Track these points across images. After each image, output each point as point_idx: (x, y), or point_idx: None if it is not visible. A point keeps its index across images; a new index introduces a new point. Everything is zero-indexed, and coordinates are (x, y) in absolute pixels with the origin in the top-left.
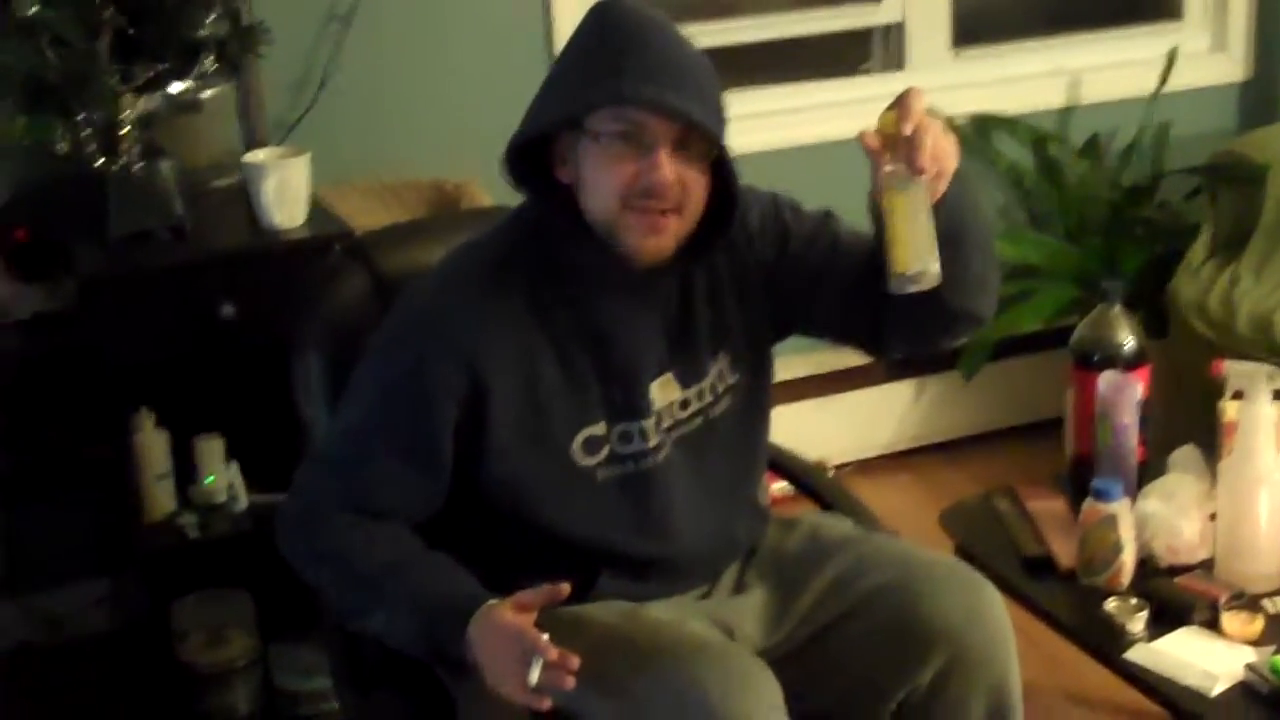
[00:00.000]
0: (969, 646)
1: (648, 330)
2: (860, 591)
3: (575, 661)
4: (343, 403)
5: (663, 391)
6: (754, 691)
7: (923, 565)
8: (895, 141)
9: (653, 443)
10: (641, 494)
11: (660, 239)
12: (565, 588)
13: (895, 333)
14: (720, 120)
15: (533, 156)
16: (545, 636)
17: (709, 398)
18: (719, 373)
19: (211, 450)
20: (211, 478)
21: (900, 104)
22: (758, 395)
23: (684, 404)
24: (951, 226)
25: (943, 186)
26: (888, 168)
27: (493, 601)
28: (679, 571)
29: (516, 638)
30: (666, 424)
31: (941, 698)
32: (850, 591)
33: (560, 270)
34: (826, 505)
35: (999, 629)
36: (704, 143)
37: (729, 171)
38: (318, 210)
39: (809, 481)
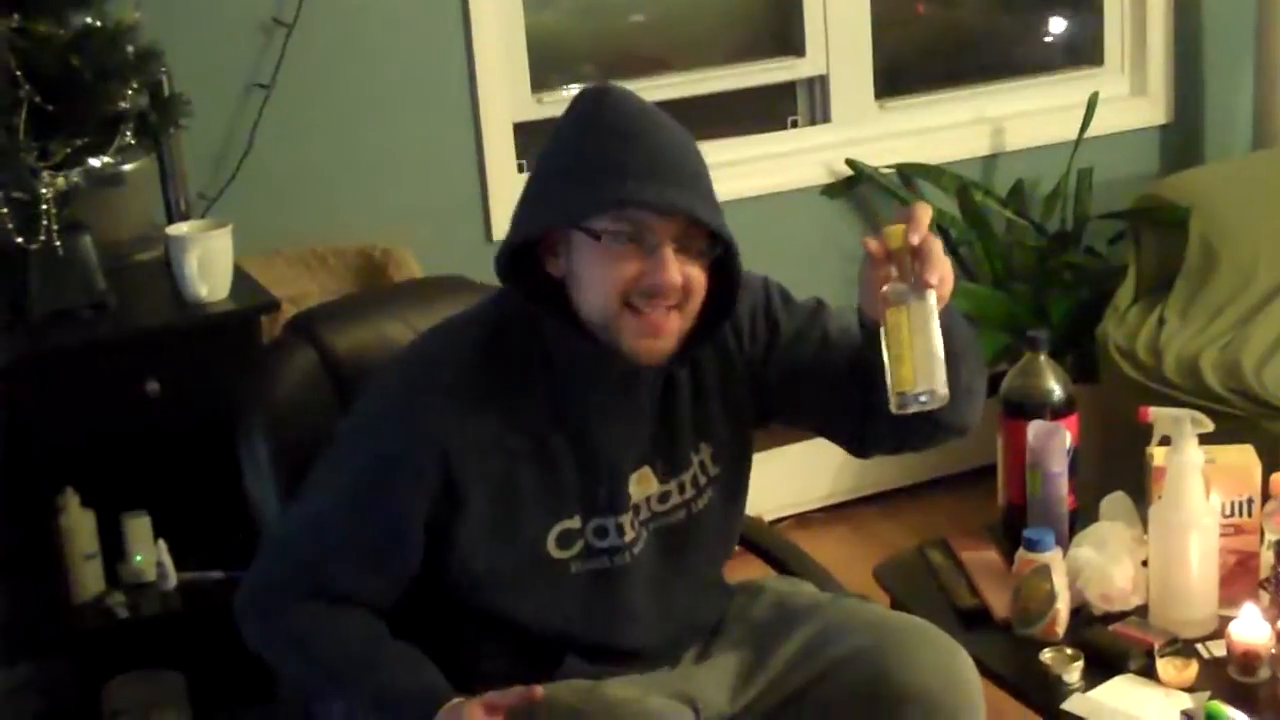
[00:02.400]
0: (942, 710)
1: (629, 423)
2: (832, 656)
3: None
4: (309, 485)
5: (640, 485)
6: None
7: (895, 629)
8: (899, 257)
9: (628, 537)
10: (612, 587)
11: (660, 340)
12: (539, 690)
13: (879, 438)
14: (719, 211)
15: (520, 247)
16: None
17: (691, 491)
18: (701, 464)
19: (139, 528)
20: (140, 556)
21: (909, 217)
22: (738, 482)
23: (663, 496)
24: (946, 341)
25: (941, 305)
26: (888, 285)
27: (457, 700)
28: (642, 657)
29: None
30: (644, 516)
31: None
32: (822, 656)
33: (544, 361)
34: (779, 564)
35: (971, 692)
36: (704, 238)
37: (732, 264)
38: (242, 281)
39: (762, 542)
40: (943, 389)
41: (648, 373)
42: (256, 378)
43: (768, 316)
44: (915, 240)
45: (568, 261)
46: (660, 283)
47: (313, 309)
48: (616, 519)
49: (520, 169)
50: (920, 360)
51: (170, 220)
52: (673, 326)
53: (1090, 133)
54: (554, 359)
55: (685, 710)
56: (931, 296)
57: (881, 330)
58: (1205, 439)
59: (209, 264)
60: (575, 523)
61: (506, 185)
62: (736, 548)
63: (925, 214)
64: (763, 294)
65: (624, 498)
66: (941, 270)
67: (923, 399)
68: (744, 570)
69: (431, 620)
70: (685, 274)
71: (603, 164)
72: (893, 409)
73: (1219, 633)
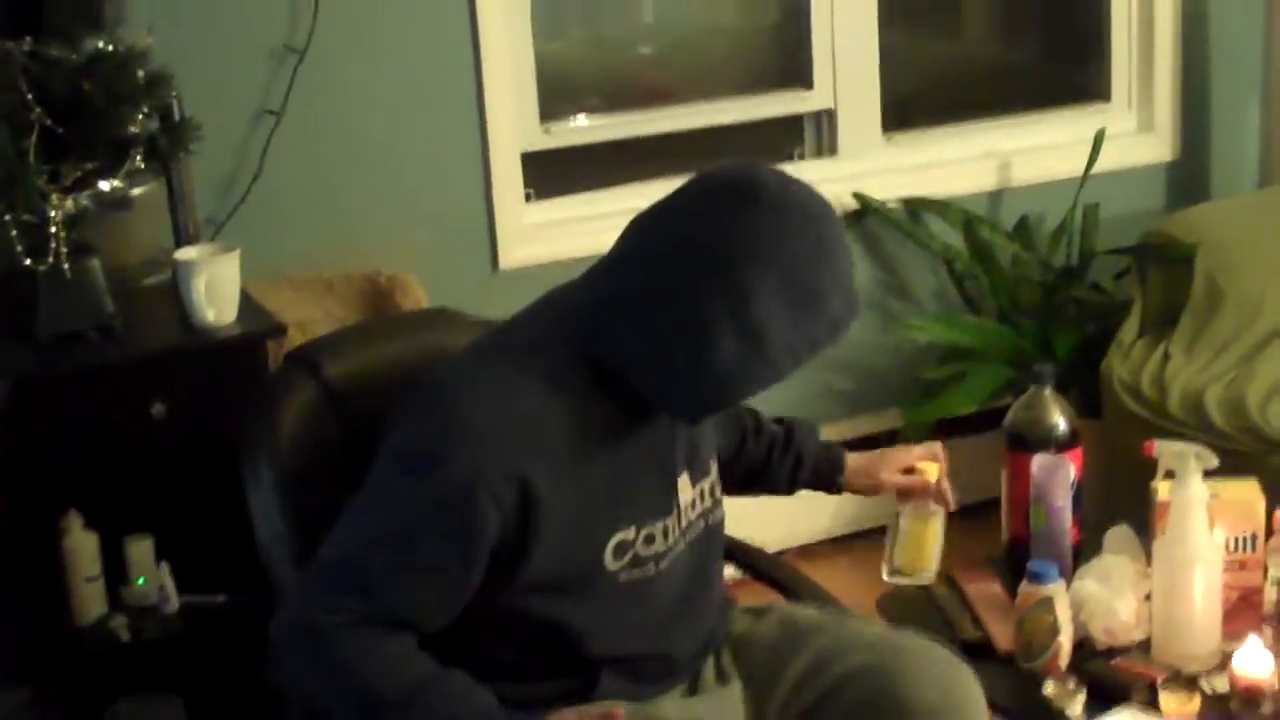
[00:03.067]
0: None
1: (670, 428)
2: (838, 673)
3: None
4: (360, 508)
5: (684, 490)
6: None
7: (901, 646)
8: (926, 484)
9: (671, 542)
10: (652, 594)
11: None
12: (620, 711)
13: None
14: None
15: None
16: None
17: (709, 501)
18: (715, 478)
19: (142, 551)
20: (142, 579)
21: (937, 456)
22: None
23: (694, 504)
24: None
25: None
26: (913, 503)
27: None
28: (669, 669)
29: None
30: (684, 523)
31: None
32: (828, 674)
33: (597, 373)
34: (785, 590)
35: (976, 709)
36: None
37: None
38: (249, 306)
39: (769, 570)
40: (933, 574)
41: None
42: (258, 411)
43: None
44: (944, 482)
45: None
46: None
47: (311, 342)
48: (665, 522)
49: (528, 198)
50: (934, 558)
51: (178, 244)
52: None
53: (1096, 169)
54: (628, 395)
55: None
56: (943, 513)
57: (900, 523)
58: (1209, 474)
59: (216, 288)
60: (630, 533)
61: (513, 214)
62: (743, 576)
63: (944, 455)
64: None
65: (674, 500)
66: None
67: (919, 578)
68: (752, 599)
69: (466, 646)
70: None
71: (807, 299)
72: (887, 579)
73: (1222, 667)
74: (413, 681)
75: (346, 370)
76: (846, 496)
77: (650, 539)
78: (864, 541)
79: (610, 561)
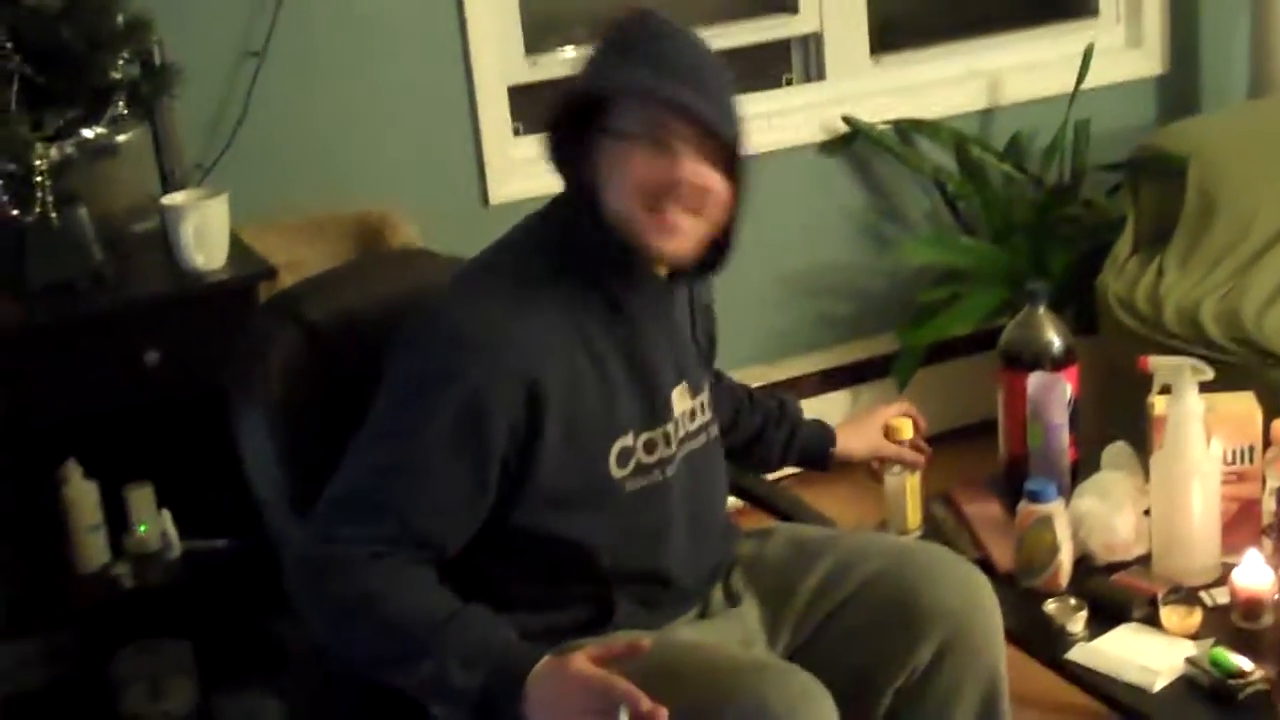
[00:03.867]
0: (966, 630)
1: (664, 337)
2: (855, 580)
3: (664, 713)
4: (367, 440)
5: (680, 399)
6: (818, 708)
7: (916, 552)
8: (899, 439)
9: (672, 449)
10: (659, 504)
11: (679, 240)
12: (645, 642)
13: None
14: (740, 129)
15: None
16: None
17: (707, 414)
18: (708, 394)
19: (142, 499)
20: (144, 526)
21: (910, 414)
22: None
23: (692, 414)
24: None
25: None
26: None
27: (562, 652)
28: (682, 591)
29: (599, 690)
30: (681, 434)
31: (937, 680)
32: (845, 582)
33: (589, 278)
34: (785, 518)
35: (993, 614)
36: (723, 151)
37: (742, 181)
38: (239, 250)
39: (767, 496)
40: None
41: (680, 289)
42: (243, 360)
43: (708, 322)
44: (919, 441)
45: (593, 165)
46: (673, 181)
47: (290, 288)
48: (664, 429)
49: (516, 132)
50: (915, 510)
51: (166, 190)
52: (690, 228)
53: (1086, 85)
54: (596, 271)
55: (766, 655)
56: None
57: (887, 485)
58: (1205, 387)
59: (205, 233)
60: (630, 439)
61: (502, 149)
62: (743, 504)
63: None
64: (709, 301)
65: (669, 409)
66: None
67: (915, 534)
68: (750, 522)
69: (476, 578)
70: (702, 177)
71: (638, 56)
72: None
73: (1222, 580)
74: (435, 613)
75: (327, 313)
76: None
77: (651, 445)
78: (863, 469)
79: (615, 469)
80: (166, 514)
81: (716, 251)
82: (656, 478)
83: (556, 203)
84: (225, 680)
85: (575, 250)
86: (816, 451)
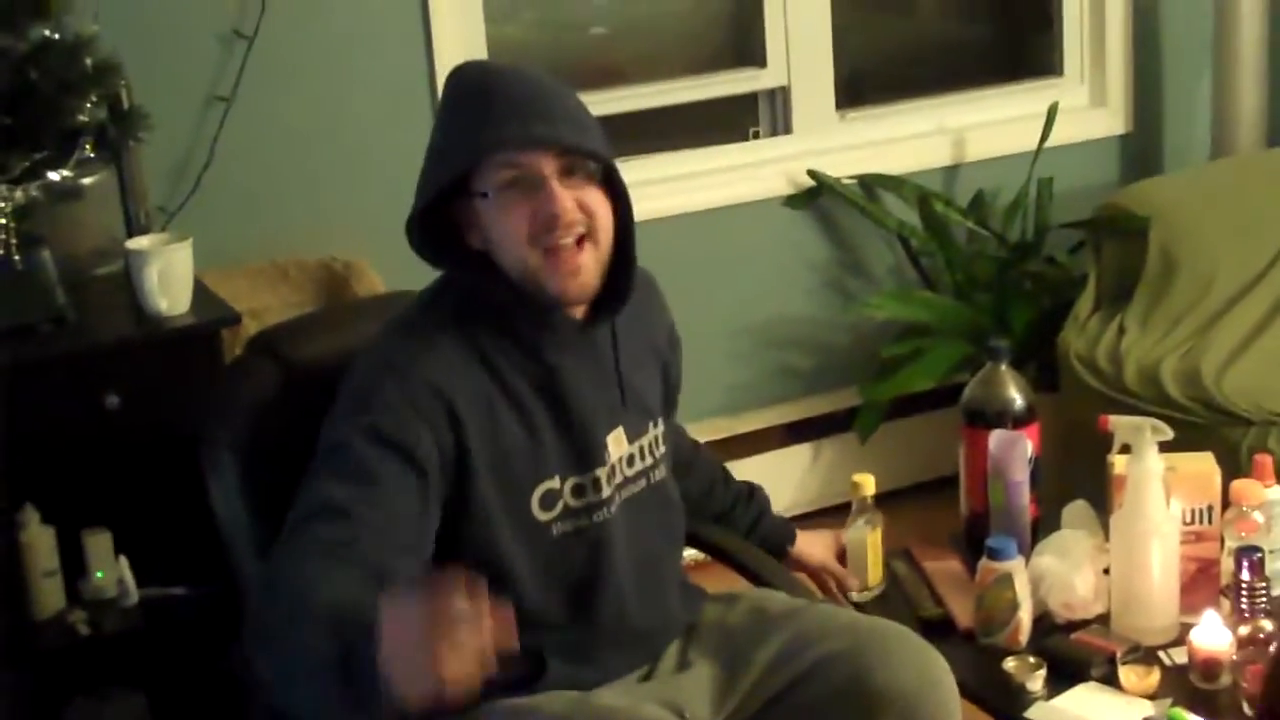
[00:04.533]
0: (919, 713)
1: (596, 385)
2: (810, 659)
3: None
4: (310, 475)
5: (616, 444)
6: None
7: (873, 633)
8: (862, 495)
9: (605, 494)
10: (591, 550)
11: (581, 276)
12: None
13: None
14: (597, 137)
15: (438, 233)
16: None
17: (649, 459)
18: (655, 438)
19: (100, 545)
20: (100, 573)
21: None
22: (671, 473)
23: (630, 460)
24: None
25: None
26: (860, 520)
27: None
28: (621, 646)
29: (435, 605)
30: (618, 480)
31: None
32: (800, 660)
33: (502, 328)
34: (752, 575)
35: (948, 695)
36: (590, 163)
37: (620, 189)
38: (203, 295)
39: (734, 552)
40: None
41: (599, 335)
42: (219, 396)
43: (673, 355)
44: None
45: (482, 232)
46: (552, 213)
47: (273, 327)
48: (595, 474)
49: None
50: (877, 566)
51: (130, 234)
52: (588, 259)
53: (1050, 143)
54: (509, 325)
55: (673, 718)
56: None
57: (852, 544)
58: (1165, 447)
59: (169, 277)
60: (555, 483)
61: None
62: (710, 560)
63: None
64: (670, 329)
65: (604, 454)
66: None
67: (878, 589)
68: (719, 583)
69: None
70: (579, 200)
71: (465, 121)
72: (856, 597)
73: (1180, 640)
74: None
75: (307, 356)
76: (810, 474)
77: (580, 490)
78: (826, 519)
79: (539, 511)
80: (124, 561)
81: (620, 277)
82: (584, 522)
83: (447, 278)
84: None
85: (483, 304)
86: (776, 542)
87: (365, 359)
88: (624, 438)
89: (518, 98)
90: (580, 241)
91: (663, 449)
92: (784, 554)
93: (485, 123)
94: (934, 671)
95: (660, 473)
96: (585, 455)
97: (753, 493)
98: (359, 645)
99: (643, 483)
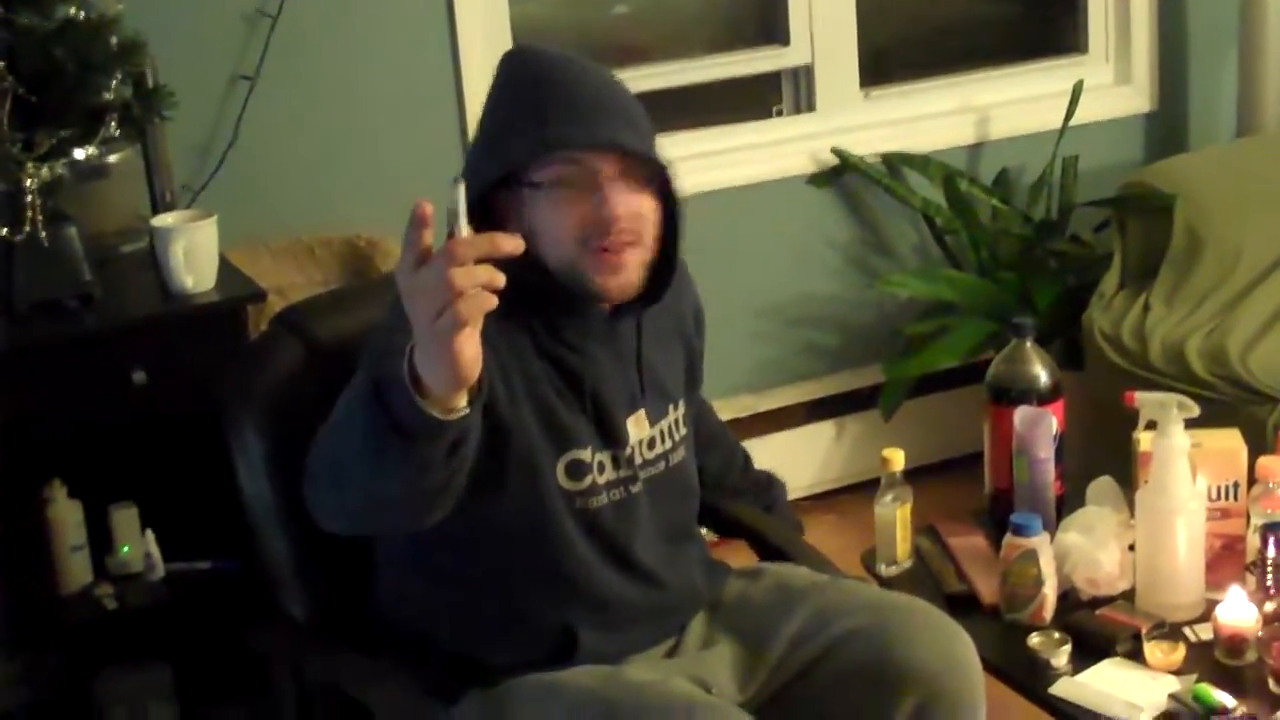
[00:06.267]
0: (943, 690)
1: (616, 366)
2: (833, 636)
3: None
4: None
5: (636, 426)
6: None
7: (896, 609)
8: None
9: (623, 474)
10: (617, 524)
11: (625, 275)
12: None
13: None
14: (648, 139)
15: (478, 216)
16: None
17: (669, 442)
18: (675, 421)
19: (126, 520)
20: (127, 548)
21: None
22: (693, 450)
23: (651, 443)
24: None
25: None
26: (889, 495)
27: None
28: (648, 618)
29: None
30: (639, 461)
31: None
32: (822, 636)
33: (528, 308)
34: (776, 551)
35: (972, 673)
36: (645, 169)
37: (671, 197)
38: (228, 272)
39: (757, 528)
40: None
41: (626, 320)
42: (244, 372)
43: (698, 333)
44: None
45: (524, 220)
46: (608, 218)
47: (298, 303)
48: (619, 453)
49: None
50: (906, 542)
51: (155, 211)
52: (633, 259)
53: (1075, 121)
54: (534, 308)
55: (702, 693)
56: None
57: (881, 519)
58: (1191, 424)
59: (194, 255)
60: (586, 453)
61: None
62: (721, 540)
63: None
64: (696, 307)
65: (625, 435)
66: None
67: (907, 564)
68: (742, 559)
69: (445, 610)
70: (634, 205)
71: (525, 113)
72: (883, 572)
73: (1205, 616)
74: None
75: (333, 333)
76: (833, 452)
77: (605, 465)
78: (850, 496)
79: (565, 480)
80: (150, 535)
81: (657, 277)
82: (613, 496)
83: None
84: (206, 703)
85: (510, 283)
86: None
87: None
88: (645, 420)
89: (582, 95)
90: (628, 245)
91: (683, 431)
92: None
93: (548, 118)
94: (958, 649)
95: (679, 454)
96: (608, 434)
97: (770, 483)
98: (384, 363)
99: (662, 465)
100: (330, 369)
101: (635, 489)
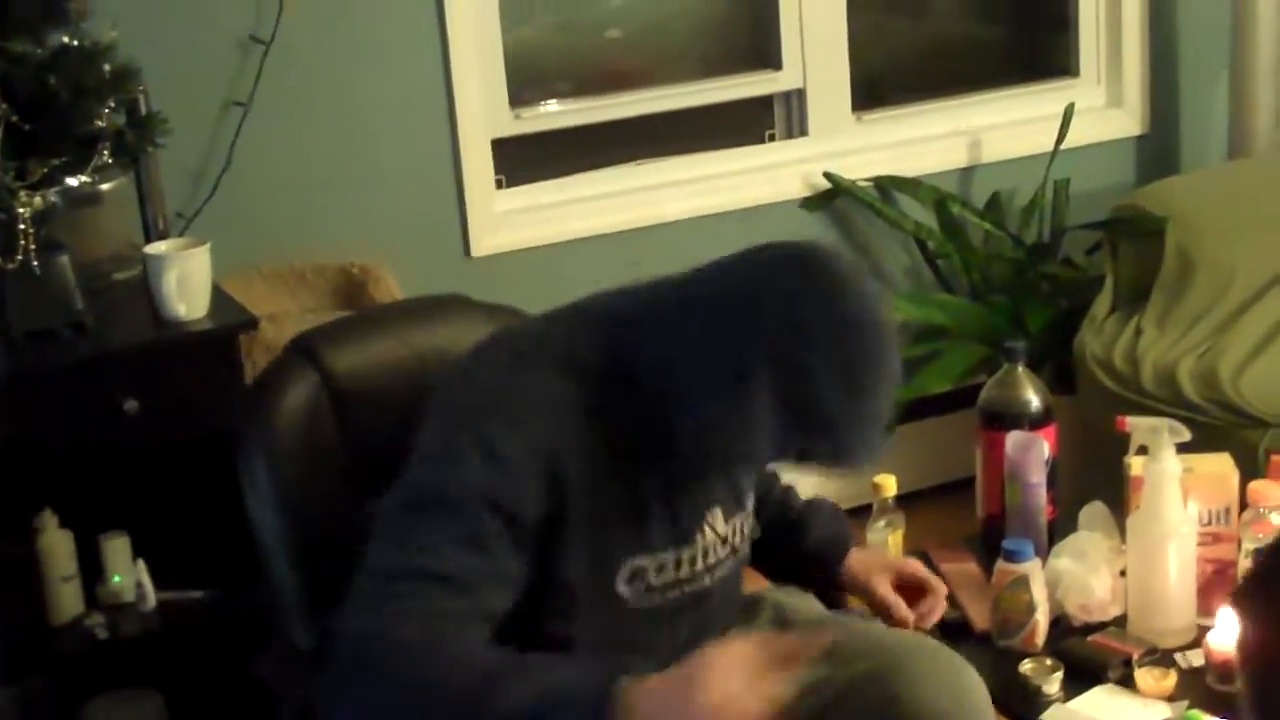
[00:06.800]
0: None
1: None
2: (842, 682)
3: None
4: (403, 506)
5: (714, 523)
6: None
7: (905, 651)
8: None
9: (686, 574)
10: (663, 625)
11: None
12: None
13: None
14: None
15: None
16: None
17: (738, 538)
18: (745, 519)
19: (117, 549)
20: (118, 577)
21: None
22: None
23: (725, 539)
24: None
25: None
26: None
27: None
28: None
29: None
30: (711, 560)
31: None
32: (831, 684)
33: (626, 392)
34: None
35: (983, 711)
36: None
37: None
38: (220, 300)
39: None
40: None
41: None
42: (256, 399)
43: None
44: None
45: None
46: None
47: (312, 330)
48: (687, 552)
49: (499, 184)
50: None
51: (148, 239)
52: None
53: (1067, 144)
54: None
55: None
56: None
57: (869, 541)
58: (1182, 448)
59: (187, 283)
60: (646, 561)
61: (485, 201)
62: None
63: None
64: None
65: (699, 532)
66: None
67: None
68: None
69: None
70: None
71: (849, 411)
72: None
73: (1197, 642)
74: (508, 657)
75: (348, 364)
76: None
77: (662, 568)
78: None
79: (622, 586)
80: (142, 564)
81: None
82: (657, 600)
83: (573, 319)
84: None
85: (621, 425)
86: (824, 563)
87: (475, 391)
88: (721, 517)
89: (881, 404)
90: None
91: (748, 532)
92: (833, 575)
93: (862, 438)
94: (968, 689)
95: (746, 549)
96: (684, 531)
97: (809, 506)
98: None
99: (731, 561)
100: (344, 398)
101: (686, 591)
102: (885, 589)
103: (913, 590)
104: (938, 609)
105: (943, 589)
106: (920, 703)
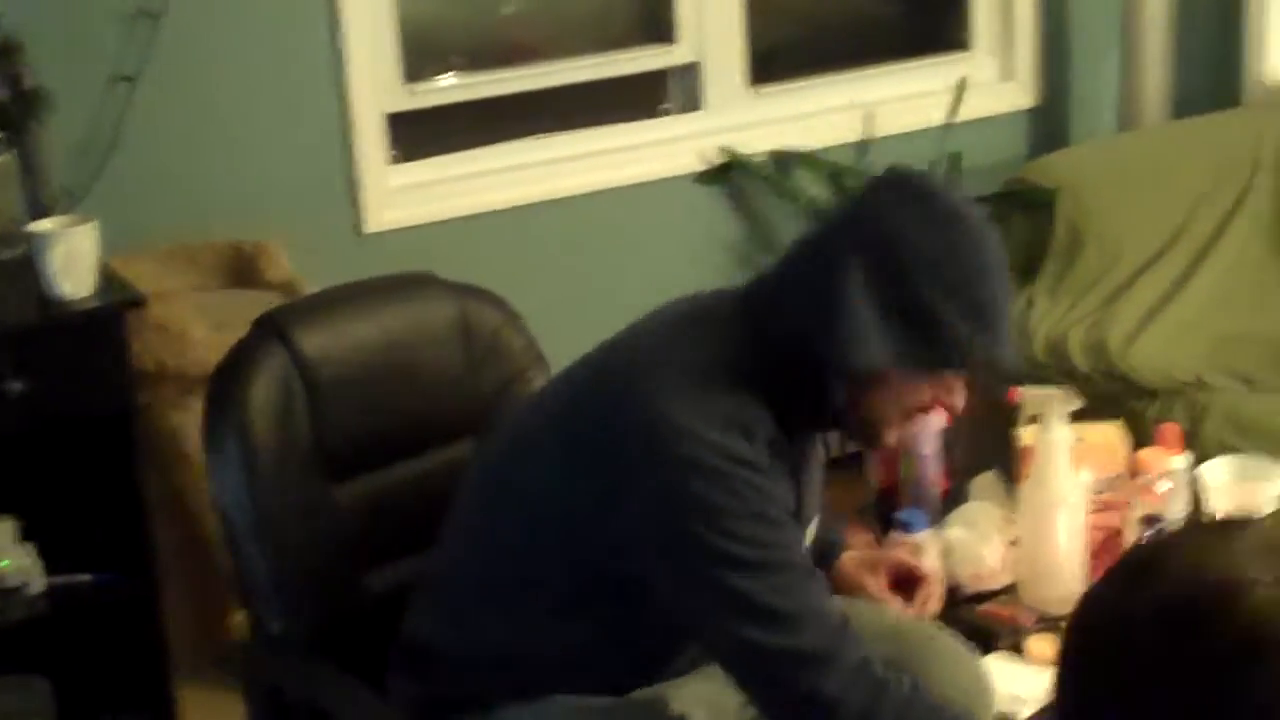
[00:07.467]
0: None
1: (811, 474)
2: None
3: None
4: (744, 585)
5: (809, 534)
6: None
7: (917, 639)
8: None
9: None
10: None
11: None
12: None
13: None
14: None
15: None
16: None
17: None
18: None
19: (4, 532)
20: (6, 561)
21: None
22: None
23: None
24: None
25: None
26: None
27: None
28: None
29: None
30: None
31: None
32: None
33: (788, 408)
34: None
35: (989, 698)
36: None
37: None
38: (107, 278)
39: None
40: None
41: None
42: (225, 380)
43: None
44: None
45: (847, 379)
46: (951, 408)
47: (281, 308)
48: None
49: (395, 160)
50: None
51: (33, 216)
52: None
53: (960, 117)
54: (794, 412)
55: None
56: None
57: None
58: (1073, 417)
59: (73, 261)
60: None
61: (378, 177)
62: None
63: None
64: None
65: (811, 518)
66: None
67: None
68: None
69: (564, 636)
70: (964, 398)
71: (971, 314)
72: None
73: None
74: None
75: (318, 340)
76: None
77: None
78: None
79: None
80: (30, 547)
81: None
82: None
83: (747, 334)
84: (87, 719)
85: (785, 387)
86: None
87: (708, 483)
88: (810, 532)
89: (1004, 301)
90: None
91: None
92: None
93: (994, 328)
94: (978, 675)
95: None
96: (807, 516)
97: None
98: None
99: None
100: (314, 379)
101: None
102: (880, 587)
103: (906, 581)
104: (934, 597)
105: (937, 576)
106: (931, 690)
